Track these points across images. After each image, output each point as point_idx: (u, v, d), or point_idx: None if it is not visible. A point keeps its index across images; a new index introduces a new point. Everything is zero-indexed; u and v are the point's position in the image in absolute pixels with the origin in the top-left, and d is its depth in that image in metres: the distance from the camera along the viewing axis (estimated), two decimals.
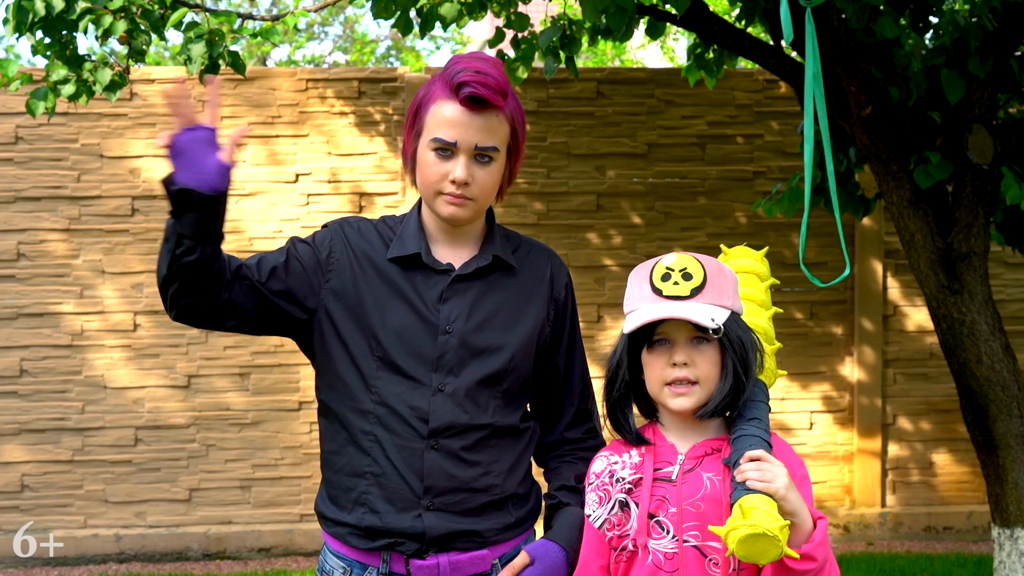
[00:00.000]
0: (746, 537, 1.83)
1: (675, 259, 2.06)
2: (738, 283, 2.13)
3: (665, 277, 2.03)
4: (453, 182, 2.11)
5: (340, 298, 2.18)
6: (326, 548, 2.22)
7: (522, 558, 2.16)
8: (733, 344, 2.04)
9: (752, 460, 1.95)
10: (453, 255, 2.20)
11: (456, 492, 2.13)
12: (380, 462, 2.13)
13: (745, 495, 1.90)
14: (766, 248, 2.37)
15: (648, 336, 2.06)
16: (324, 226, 2.26)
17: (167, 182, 2.01)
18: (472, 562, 2.15)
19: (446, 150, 2.12)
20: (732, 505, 1.92)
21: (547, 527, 2.23)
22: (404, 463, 2.12)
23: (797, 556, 1.87)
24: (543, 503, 2.29)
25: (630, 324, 2.05)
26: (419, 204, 2.25)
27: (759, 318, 2.20)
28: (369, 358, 2.15)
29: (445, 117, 2.12)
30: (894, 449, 6.29)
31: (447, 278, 2.17)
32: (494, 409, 2.16)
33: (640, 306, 2.04)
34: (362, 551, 2.16)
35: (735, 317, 2.06)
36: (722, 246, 2.37)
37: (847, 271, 2.46)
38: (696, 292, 2.02)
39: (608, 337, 6.04)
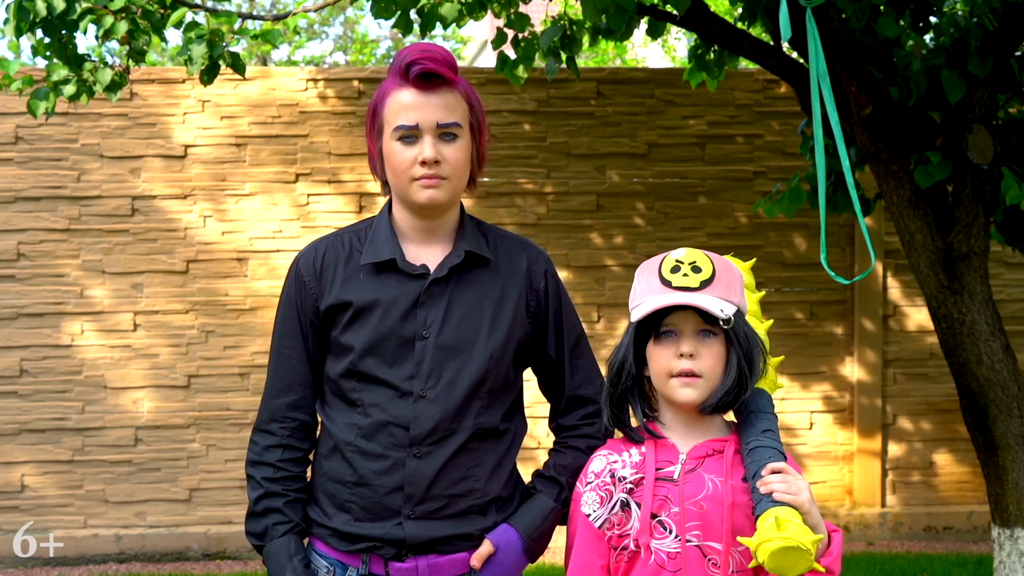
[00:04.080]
0: (779, 550, 1.83)
1: (684, 253, 2.07)
2: (744, 283, 2.13)
3: (675, 269, 2.04)
4: (423, 163, 2.11)
5: (323, 318, 2.20)
6: (311, 547, 2.24)
7: (487, 547, 2.17)
8: (739, 338, 2.04)
9: (774, 472, 1.95)
10: (427, 254, 2.19)
11: (438, 499, 2.14)
12: (361, 472, 2.15)
13: (771, 507, 1.90)
14: (754, 260, 2.37)
15: (655, 328, 2.06)
16: (289, 270, 2.27)
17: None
18: (451, 564, 2.17)
19: (410, 136, 2.12)
20: (757, 517, 1.92)
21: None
22: (385, 474, 2.13)
23: (823, 570, 1.88)
24: None
25: (638, 312, 2.05)
26: (388, 206, 2.24)
27: (757, 329, 2.19)
28: (350, 372, 2.16)
29: (402, 104, 2.13)
30: (894, 449, 6.28)
31: (423, 282, 2.16)
32: (478, 410, 2.17)
33: (647, 298, 2.05)
34: (342, 552, 2.18)
35: (740, 314, 2.06)
36: None
37: (871, 267, 2.47)
38: (705, 284, 2.02)
39: (608, 337, 6.04)
